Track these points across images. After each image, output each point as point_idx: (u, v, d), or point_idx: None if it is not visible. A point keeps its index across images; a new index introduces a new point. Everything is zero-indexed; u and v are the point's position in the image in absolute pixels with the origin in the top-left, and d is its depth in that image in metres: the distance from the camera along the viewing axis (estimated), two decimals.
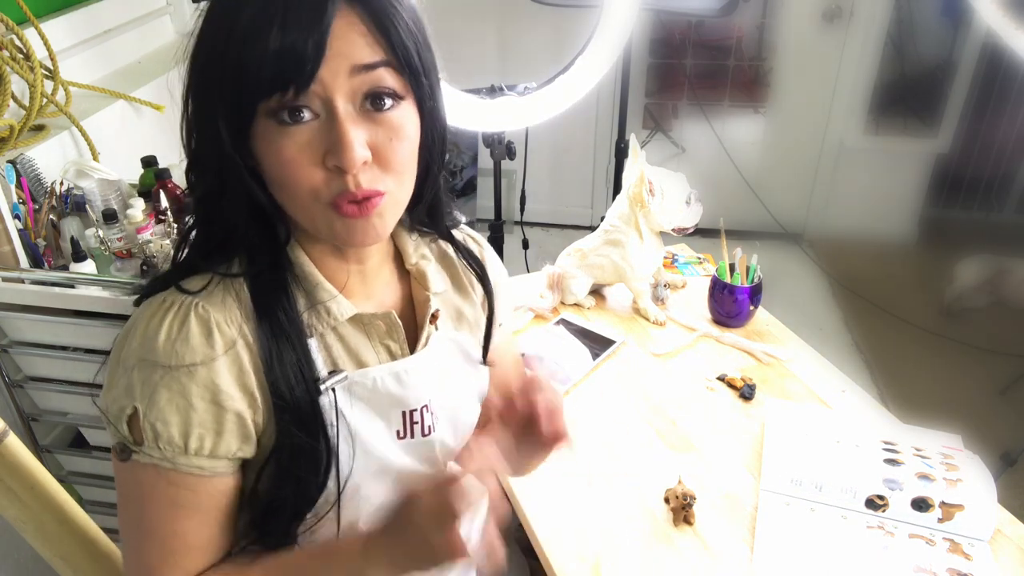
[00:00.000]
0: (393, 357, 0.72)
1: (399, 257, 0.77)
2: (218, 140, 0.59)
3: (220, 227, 0.65)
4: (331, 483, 0.68)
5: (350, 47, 0.57)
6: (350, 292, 0.70)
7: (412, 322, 0.76)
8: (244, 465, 0.67)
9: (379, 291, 0.74)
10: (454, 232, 0.80)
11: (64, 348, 1.19)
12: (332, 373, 0.68)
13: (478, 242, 0.86)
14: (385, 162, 0.61)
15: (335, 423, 0.67)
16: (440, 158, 0.70)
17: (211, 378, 0.61)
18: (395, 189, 0.63)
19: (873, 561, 0.91)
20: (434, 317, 0.75)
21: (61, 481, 0.77)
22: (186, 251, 0.68)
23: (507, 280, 0.89)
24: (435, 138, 0.67)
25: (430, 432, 0.75)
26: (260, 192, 0.62)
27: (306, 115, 0.58)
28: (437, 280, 0.77)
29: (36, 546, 0.74)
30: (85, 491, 1.33)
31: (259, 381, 0.64)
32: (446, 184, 0.76)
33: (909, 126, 2.97)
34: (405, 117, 0.62)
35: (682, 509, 0.97)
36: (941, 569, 0.89)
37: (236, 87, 0.57)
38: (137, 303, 0.67)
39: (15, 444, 0.70)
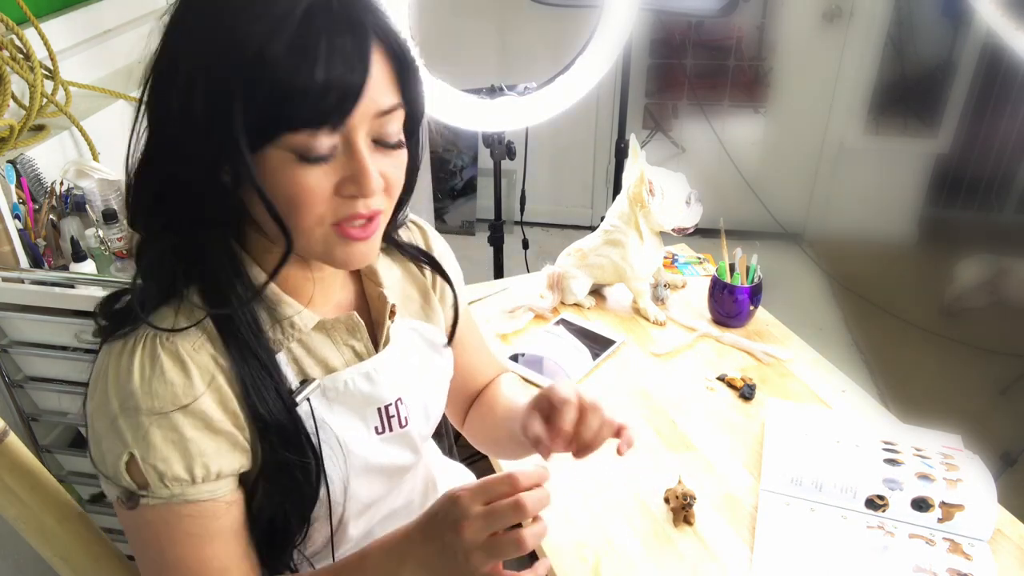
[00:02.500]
0: (359, 357, 0.73)
1: None
2: (229, 160, 0.56)
3: (183, 254, 0.63)
4: (323, 489, 0.69)
5: (377, 91, 0.58)
6: (314, 302, 0.71)
7: (370, 319, 0.77)
8: (243, 482, 0.67)
9: (336, 294, 0.75)
10: (400, 232, 0.82)
11: (64, 348, 1.19)
12: (304, 383, 0.68)
13: (421, 228, 0.87)
14: (388, 188, 0.63)
15: (316, 431, 0.68)
16: (411, 187, 0.71)
17: (199, 408, 0.61)
18: (387, 212, 0.65)
19: (873, 561, 0.91)
20: (392, 313, 0.76)
21: (61, 481, 0.77)
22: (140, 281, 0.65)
23: (450, 254, 0.89)
24: (415, 167, 0.70)
25: (406, 424, 0.77)
26: (272, 213, 0.59)
27: (325, 153, 0.58)
28: (388, 275, 0.78)
29: (36, 546, 0.74)
30: (85, 491, 1.33)
31: (239, 401, 0.64)
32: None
33: (909, 126, 2.97)
34: (403, 151, 0.64)
35: (682, 509, 0.97)
36: (941, 569, 0.89)
37: (265, 111, 0.55)
38: (101, 342, 0.64)
39: (15, 444, 0.70)
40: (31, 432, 1.28)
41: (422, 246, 0.85)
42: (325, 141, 0.57)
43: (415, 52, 0.63)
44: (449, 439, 1.48)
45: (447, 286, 0.86)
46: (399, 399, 0.76)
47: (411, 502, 0.87)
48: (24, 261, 1.20)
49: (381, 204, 0.63)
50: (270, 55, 0.53)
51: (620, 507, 1.00)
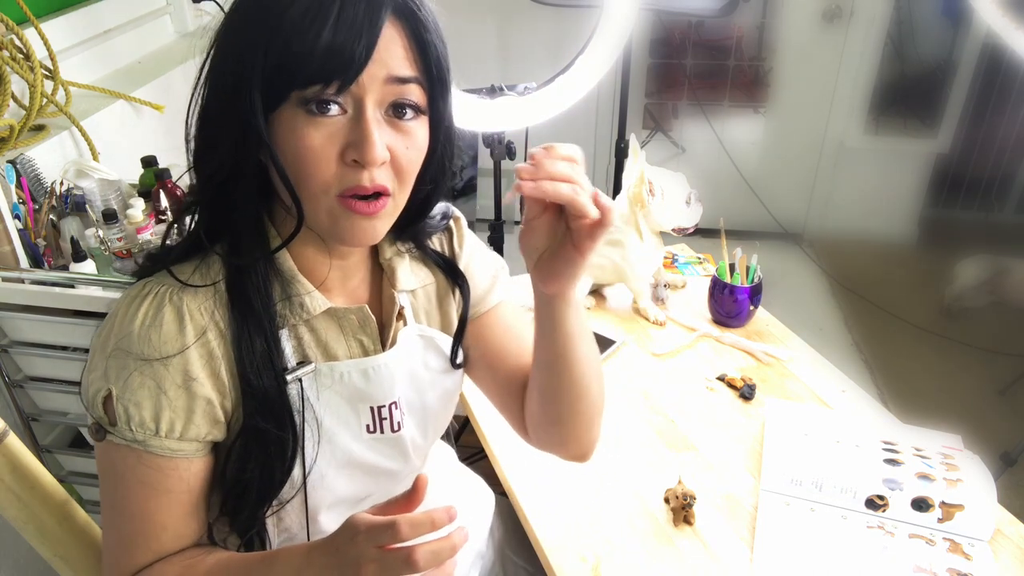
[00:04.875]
0: (365, 352, 0.74)
1: (377, 254, 0.77)
2: (246, 116, 0.60)
3: (218, 210, 0.66)
4: (296, 470, 0.69)
5: (391, 57, 0.60)
6: (329, 286, 0.72)
7: (382, 318, 0.77)
8: (216, 448, 0.69)
9: (356, 286, 0.75)
10: (432, 240, 0.81)
11: (64, 348, 1.19)
12: (301, 364, 0.69)
13: (457, 228, 0.84)
14: (397, 167, 0.63)
15: (302, 412, 0.69)
16: (447, 174, 0.72)
17: (183, 365, 0.64)
18: (397, 194, 0.65)
19: (873, 561, 0.91)
20: (400, 315, 0.76)
21: (61, 481, 0.77)
22: (174, 235, 0.70)
23: (491, 258, 0.87)
24: (447, 153, 0.70)
25: (399, 428, 0.76)
26: (276, 173, 0.62)
27: (334, 109, 0.60)
28: (408, 278, 0.77)
29: (36, 546, 0.74)
30: (85, 491, 1.33)
31: (229, 367, 0.66)
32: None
33: (909, 126, 2.97)
34: (420, 129, 0.64)
35: (682, 509, 0.97)
36: (941, 569, 0.89)
37: (279, 70, 0.58)
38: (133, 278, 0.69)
39: (15, 444, 0.71)
40: (31, 432, 1.28)
41: (453, 247, 0.83)
42: (333, 98, 0.59)
43: (443, 33, 0.64)
44: (449, 440, 1.48)
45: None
46: (394, 403, 0.75)
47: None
48: (24, 261, 1.20)
49: (388, 182, 0.63)
50: (287, 18, 0.58)
51: (620, 507, 1.00)
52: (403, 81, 0.61)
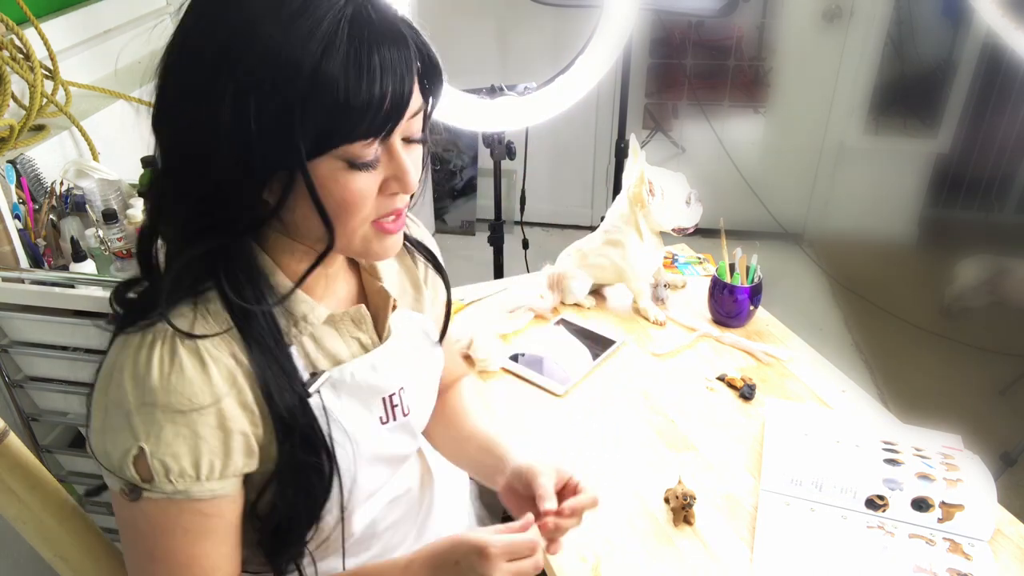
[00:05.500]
0: (364, 349, 0.76)
1: None
2: (290, 166, 0.58)
3: (214, 257, 0.64)
4: (335, 485, 0.70)
5: (412, 96, 0.62)
6: (319, 296, 0.73)
7: (370, 312, 0.79)
8: (245, 480, 0.68)
9: (339, 288, 0.77)
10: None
11: (64, 348, 1.19)
12: (314, 376, 0.70)
13: (418, 224, 0.90)
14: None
15: (327, 423, 0.69)
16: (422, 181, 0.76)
17: (218, 408, 0.62)
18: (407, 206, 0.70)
19: (873, 561, 0.91)
20: (394, 306, 0.78)
21: (61, 481, 0.77)
22: (152, 280, 0.67)
23: (437, 251, 0.93)
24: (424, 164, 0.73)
25: (408, 412, 0.79)
26: (324, 218, 0.61)
27: (373, 159, 0.61)
28: (386, 269, 0.81)
29: (36, 546, 0.74)
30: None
31: (255, 396, 0.65)
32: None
33: (909, 126, 2.97)
34: (422, 146, 0.68)
35: (682, 509, 0.97)
36: (941, 569, 0.89)
37: (325, 127, 0.57)
38: (115, 331, 0.65)
39: (15, 444, 0.71)
40: (31, 432, 1.28)
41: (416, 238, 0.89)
42: (375, 149, 0.61)
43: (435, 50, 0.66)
44: None
45: (439, 282, 0.89)
46: (401, 388, 0.78)
47: (410, 489, 0.89)
48: (24, 261, 1.20)
49: (408, 200, 0.68)
50: (327, 72, 0.55)
51: (620, 507, 1.00)
52: (417, 112, 0.64)
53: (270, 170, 0.59)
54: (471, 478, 1.08)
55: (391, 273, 0.83)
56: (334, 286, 0.76)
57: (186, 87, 0.59)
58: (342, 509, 0.72)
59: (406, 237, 0.84)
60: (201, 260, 0.64)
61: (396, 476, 0.85)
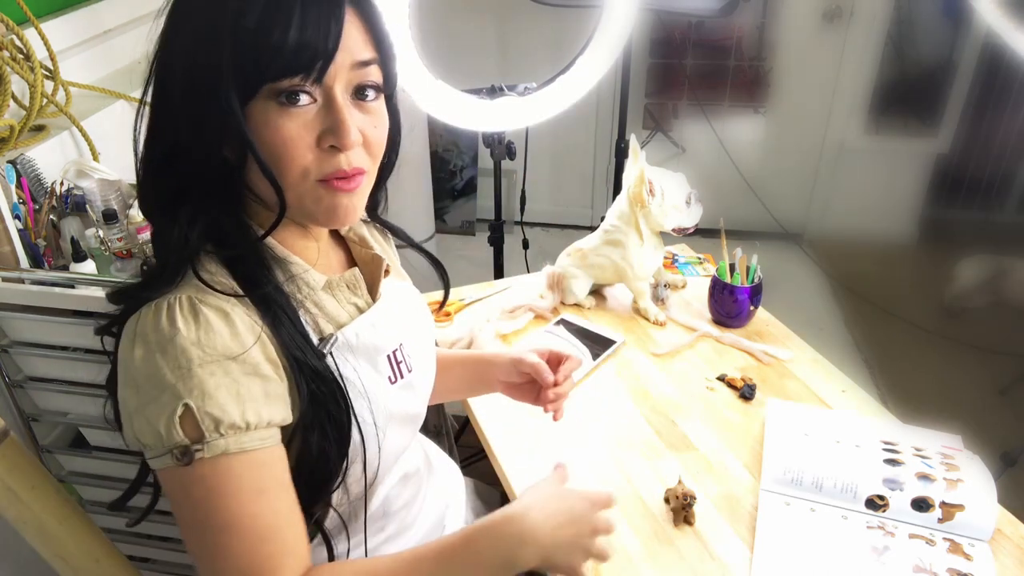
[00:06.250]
0: (360, 311, 0.78)
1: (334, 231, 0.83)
2: (223, 113, 0.61)
3: (196, 217, 0.67)
4: (355, 435, 0.71)
5: (353, 43, 0.64)
6: (313, 264, 0.76)
7: (367, 278, 0.82)
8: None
9: (330, 260, 0.81)
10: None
11: (64, 348, 1.19)
12: (322, 340, 0.72)
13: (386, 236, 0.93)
14: (368, 146, 0.67)
15: (342, 383, 0.71)
16: (395, 147, 0.77)
17: (248, 357, 0.63)
18: (371, 170, 0.69)
19: (873, 561, 0.91)
20: (387, 271, 0.82)
21: (61, 481, 0.77)
22: (152, 257, 0.72)
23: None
24: (395, 128, 0.74)
25: (411, 368, 0.81)
26: (257, 165, 0.63)
27: (304, 99, 0.63)
28: (373, 239, 0.85)
29: (36, 546, 0.74)
30: (85, 491, 1.33)
31: (277, 350, 0.67)
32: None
33: (909, 126, 2.97)
34: (382, 108, 0.69)
35: (682, 509, 0.97)
36: (941, 569, 0.89)
37: (249, 66, 0.60)
38: (121, 315, 0.66)
39: (15, 444, 0.71)
40: (31, 432, 1.28)
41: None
42: (304, 88, 0.62)
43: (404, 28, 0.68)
44: (450, 440, 1.48)
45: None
46: (401, 344, 0.80)
47: (418, 469, 0.92)
48: (24, 261, 1.20)
49: (362, 162, 0.67)
50: (250, 16, 0.59)
51: (620, 507, 1.00)
52: (365, 64, 0.65)
53: (209, 117, 0.61)
54: (463, 473, 1.10)
55: (377, 247, 0.85)
56: (330, 259, 0.80)
57: (158, 57, 0.65)
58: (365, 465, 0.73)
59: (379, 219, 0.87)
60: (200, 237, 0.67)
61: (412, 441, 0.87)
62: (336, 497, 0.73)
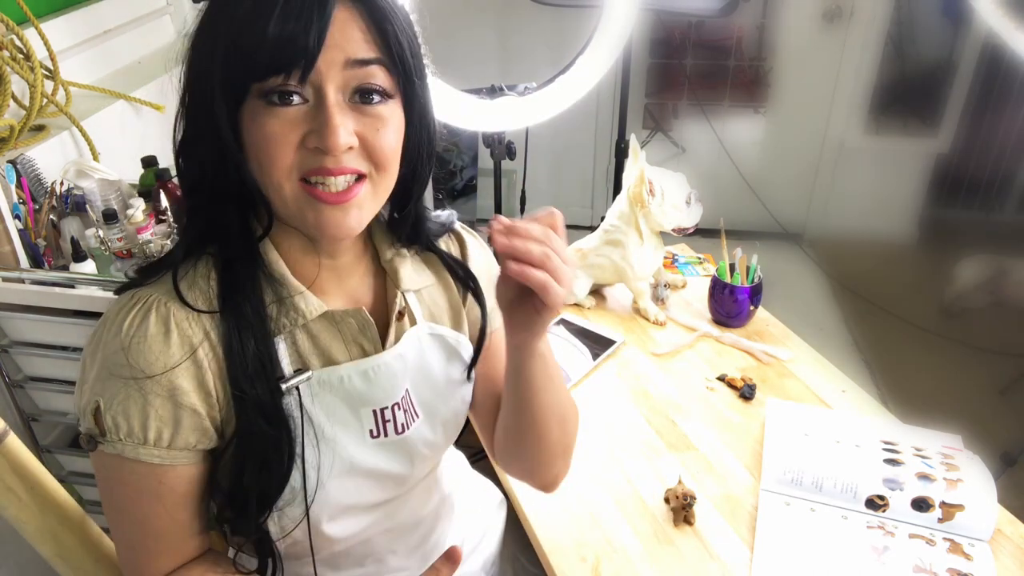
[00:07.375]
0: (365, 353, 0.72)
1: (377, 255, 0.76)
2: (212, 119, 0.61)
3: (203, 215, 0.67)
4: (296, 478, 0.68)
5: (347, 41, 0.60)
6: (323, 289, 0.70)
7: (386, 319, 0.75)
8: (211, 454, 0.68)
9: (354, 288, 0.74)
10: (440, 241, 0.80)
11: (64, 348, 1.19)
12: (298, 371, 0.68)
13: (461, 239, 0.83)
14: (370, 151, 0.62)
15: (300, 422, 0.67)
16: (429, 161, 0.71)
17: (168, 378, 0.63)
18: (376, 178, 0.64)
19: (873, 561, 0.91)
20: (400, 314, 0.74)
21: (61, 481, 0.77)
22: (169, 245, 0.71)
23: (492, 270, 0.84)
24: (423, 139, 0.69)
25: (404, 430, 0.74)
26: (247, 172, 0.63)
27: (295, 99, 0.60)
28: (412, 277, 0.76)
29: (36, 546, 0.74)
30: (85, 491, 1.33)
31: (220, 377, 0.65)
32: (440, 186, 0.77)
33: (909, 126, 2.97)
34: (392, 113, 0.63)
35: (682, 509, 0.97)
36: (941, 569, 0.89)
37: (234, 65, 0.59)
38: (117, 292, 0.68)
39: (15, 444, 0.71)
40: (31, 432, 1.28)
41: (464, 254, 0.82)
42: (293, 88, 0.59)
43: (406, 15, 0.64)
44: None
45: (476, 306, 0.81)
46: (397, 404, 0.73)
47: (421, 520, 0.86)
48: (24, 261, 1.20)
49: (360, 165, 0.62)
50: (237, 14, 0.59)
51: (620, 507, 1.00)
52: (364, 64, 0.60)
53: (202, 120, 0.62)
54: (505, 527, 1.06)
55: (423, 283, 0.77)
56: (343, 283, 0.72)
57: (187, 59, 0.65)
58: (307, 509, 0.69)
59: (439, 252, 0.78)
60: (200, 222, 0.67)
61: (399, 499, 0.80)
62: (274, 530, 0.70)
